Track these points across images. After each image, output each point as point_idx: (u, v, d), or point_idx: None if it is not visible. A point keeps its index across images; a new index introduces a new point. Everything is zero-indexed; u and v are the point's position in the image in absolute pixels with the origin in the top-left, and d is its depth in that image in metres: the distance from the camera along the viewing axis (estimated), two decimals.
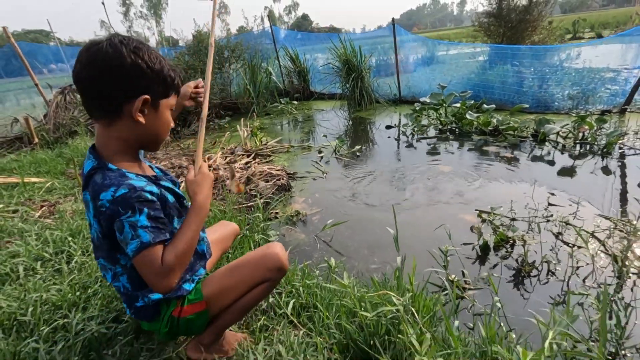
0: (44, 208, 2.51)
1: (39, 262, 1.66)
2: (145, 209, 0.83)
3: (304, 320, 1.34)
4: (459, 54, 8.45)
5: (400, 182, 3.18)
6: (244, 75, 6.44)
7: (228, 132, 5.21)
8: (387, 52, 7.45)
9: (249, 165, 3.77)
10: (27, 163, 3.80)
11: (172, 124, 1.00)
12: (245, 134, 4.35)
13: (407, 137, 4.46)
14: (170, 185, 1.01)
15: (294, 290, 1.51)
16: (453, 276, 1.80)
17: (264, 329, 1.27)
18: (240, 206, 2.74)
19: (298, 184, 3.33)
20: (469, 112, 4.39)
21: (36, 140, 4.75)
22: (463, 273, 1.85)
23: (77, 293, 1.41)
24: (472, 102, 4.65)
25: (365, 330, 1.10)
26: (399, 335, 1.02)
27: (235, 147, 4.30)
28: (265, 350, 1.13)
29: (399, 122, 5.14)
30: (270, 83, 6.91)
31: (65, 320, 1.25)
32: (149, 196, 0.85)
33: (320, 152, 4.13)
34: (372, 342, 1.05)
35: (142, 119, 0.88)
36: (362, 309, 1.20)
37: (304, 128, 5.49)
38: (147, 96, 0.87)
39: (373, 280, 1.22)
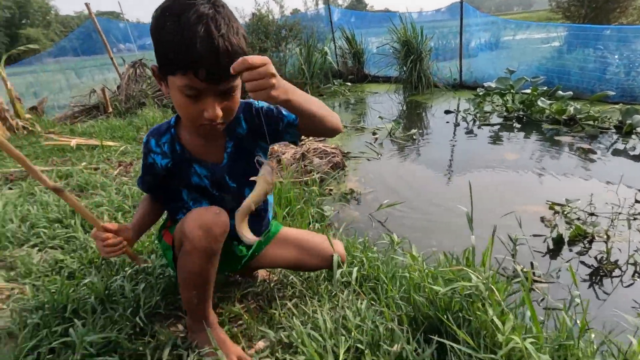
0: (121, 167, 2.74)
1: (119, 213, 1.81)
2: (142, 161, 1.05)
3: (367, 290, 1.33)
4: (527, 39, 7.75)
5: (459, 167, 3.03)
6: (300, 55, 6.44)
7: None
8: (445, 36, 7.05)
9: (302, 142, 3.80)
10: (103, 129, 4.15)
11: (208, 114, 0.82)
12: None
13: (468, 123, 4.22)
14: (200, 170, 1.03)
15: (355, 260, 1.50)
16: (521, 266, 1.69)
17: (330, 293, 1.28)
18: (296, 179, 2.78)
19: (351, 164, 3.30)
20: (541, 98, 4.04)
21: (110, 109, 5.16)
22: (532, 265, 1.72)
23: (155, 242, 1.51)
24: (544, 88, 4.26)
25: (437, 305, 1.06)
26: (477, 312, 0.97)
27: None
28: (330, 313, 1.14)
29: (458, 107, 4.87)
30: (325, 64, 6.85)
31: (145, 264, 1.35)
32: (149, 159, 1.02)
33: (374, 133, 4.05)
34: (445, 317, 1.02)
35: (164, 89, 0.88)
36: (431, 283, 1.16)
37: (357, 110, 5.41)
38: (155, 64, 0.85)
39: (445, 255, 1.17)
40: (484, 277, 1.00)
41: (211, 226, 0.90)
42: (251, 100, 1.03)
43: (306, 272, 1.40)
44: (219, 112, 0.84)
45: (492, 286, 0.98)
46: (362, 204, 2.59)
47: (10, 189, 2.41)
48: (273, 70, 0.69)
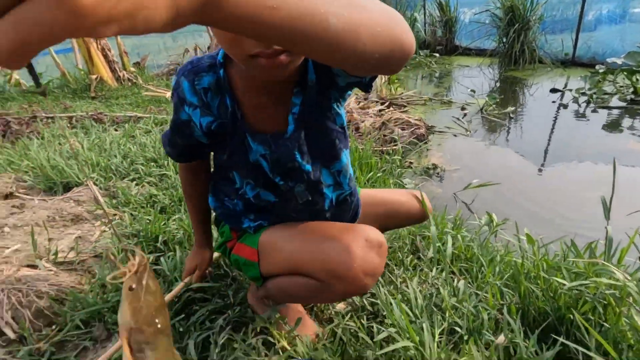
0: None
1: None
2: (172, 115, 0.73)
3: (459, 271, 1.18)
4: None
5: (564, 154, 2.60)
6: None
7: None
8: (555, 7, 6.03)
9: (382, 112, 3.60)
10: None
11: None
12: (383, 80, 4.14)
13: (579, 105, 3.60)
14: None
15: (444, 237, 1.34)
16: None
17: (417, 267, 1.16)
18: (376, 147, 2.63)
19: (436, 138, 3.04)
20: None
21: None
22: None
23: None
24: None
25: (559, 301, 0.87)
26: (615, 318, 0.77)
27: (370, 94, 4.16)
28: (419, 288, 1.02)
29: (566, 86, 4.18)
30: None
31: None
32: (182, 114, 0.70)
33: (463, 108, 3.68)
34: (569, 316, 0.83)
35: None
36: (544, 273, 0.96)
37: (443, 83, 4.97)
38: None
39: (574, 245, 0.96)
40: (635, 276, 0.78)
41: (378, 275, 0.71)
42: None
43: (388, 242, 1.29)
44: None
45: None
46: (446, 181, 2.37)
47: (115, 130, 2.66)
48: None
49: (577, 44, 5.15)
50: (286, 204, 0.77)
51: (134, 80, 4.79)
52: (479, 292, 1.00)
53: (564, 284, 0.87)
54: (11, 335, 0.83)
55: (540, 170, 2.43)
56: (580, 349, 0.74)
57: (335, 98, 0.73)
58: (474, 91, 3.83)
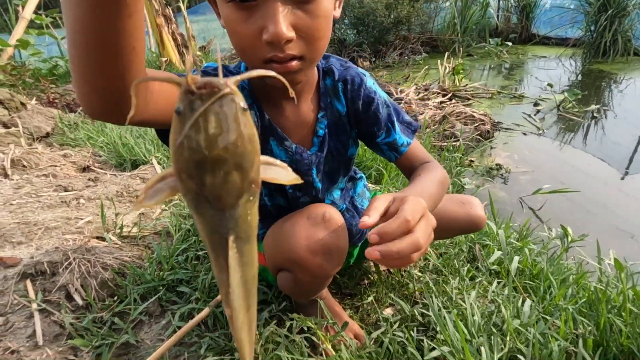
0: None
1: None
2: None
3: (523, 288, 1.06)
4: None
5: None
6: (454, 6, 5.64)
7: (423, 69, 4.81)
8: None
9: (443, 105, 3.39)
10: None
11: (268, 33, 0.52)
12: (446, 70, 3.88)
13: None
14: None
15: (509, 249, 1.22)
16: None
17: (474, 278, 1.07)
18: (435, 142, 2.49)
19: (502, 136, 2.79)
20: None
21: None
22: None
23: None
24: None
25: None
26: None
27: (430, 84, 3.93)
28: (477, 302, 0.93)
29: None
30: (482, 19, 5.88)
31: None
32: None
33: (536, 104, 3.33)
34: None
35: (218, 18, 0.59)
36: (632, 305, 0.83)
37: (514, 75, 4.54)
38: None
39: None
40: None
41: (331, 249, 0.66)
42: (360, 70, 0.75)
43: (443, 248, 1.20)
44: (284, 28, 0.50)
45: None
46: (511, 184, 2.17)
47: None
48: (422, 239, 0.48)
49: None
50: (292, 211, 0.77)
51: (200, 64, 5.03)
52: (547, 317, 0.88)
53: None
54: (79, 301, 0.91)
55: (623, 178, 2.13)
56: None
57: (353, 141, 0.80)
58: (551, 85, 3.44)
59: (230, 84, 0.24)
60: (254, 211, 0.28)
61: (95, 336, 0.84)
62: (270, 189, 0.81)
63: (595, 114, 3.00)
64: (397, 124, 0.77)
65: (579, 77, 4.26)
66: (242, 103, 0.24)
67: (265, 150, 0.74)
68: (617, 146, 2.49)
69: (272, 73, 0.27)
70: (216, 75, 0.24)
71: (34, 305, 0.87)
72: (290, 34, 0.52)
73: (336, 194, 0.87)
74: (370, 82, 0.75)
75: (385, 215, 0.51)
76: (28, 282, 0.91)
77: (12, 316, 0.86)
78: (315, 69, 0.73)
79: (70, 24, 0.36)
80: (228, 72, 0.70)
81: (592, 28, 4.80)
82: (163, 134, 0.58)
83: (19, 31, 3.80)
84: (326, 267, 0.66)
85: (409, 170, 0.80)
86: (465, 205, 0.91)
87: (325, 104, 0.74)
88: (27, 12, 3.84)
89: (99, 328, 0.87)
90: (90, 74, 0.39)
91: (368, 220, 0.48)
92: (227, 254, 0.27)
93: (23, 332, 0.83)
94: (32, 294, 0.89)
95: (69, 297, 0.92)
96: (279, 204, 0.82)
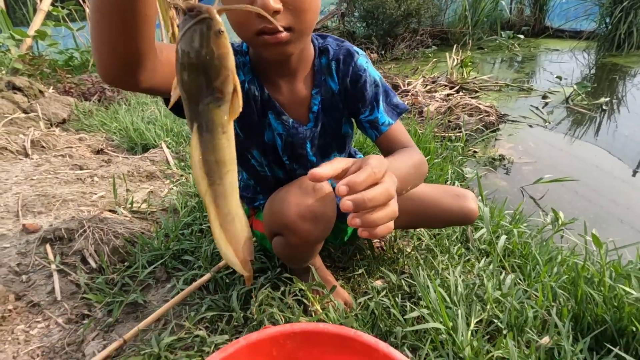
0: None
1: None
2: None
3: (511, 266, 1.11)
4: None
5: None
6: None
7: (432, 62, 4.79)
8: None
9: (449, 97, 3.39)
10: None
11: (257, 4, 0.57)
12: (454, 63, 3.87)
13: None
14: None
15: (500, 230, 1.26)
16: None
17: (463, 256, 1.11)
18: (437, 133, 2.52)
19: (507, 128, 2.80)
20: None
21: None
22: None
23: None
24: None
25: (623, 311, 0.78)
26: None
27: (438, 77, 3.93)
28: (462, 277, 0.98)
29: None
30: (495, 11, 5.81)
31: None
32: None
33: (545, 97, 3.31)
34: (632, 328, 0.75)
35: None
36: (610, 280, 0.87)
37: (524, 68, 4.50)
38: None
39: None
40: None
41: (318, 216, 0.70)
42: (354, 49, 0.79)
43: (436, 229, 1.25)
44: (271, 0, 0.56)
45: None
46: (513, 174, 2.19)
47: None
48: (392, 187, 0.48)
49: None
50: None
51: None
52: (527, 289, 0.93)
53: (632, 293, 0.78)
54: (93, 264, 0.99)
55: (634, 173, 2.12)
56: None
57: (348, 120, 0.85)
58: (560, 77, 3.41)
59: (211, 11, 0.31)
60: (218, 112, 0.36)
61: (107, 295, 0.92)
62: (269, 161, 0.86)
63: (604, 107, 2.98)
64: (382, 104, 0.80)
65: (592, 71, 4.20)
66: (217, 27, 0.32)
67: (264, 123, 0.80)
68: (630, 141, 2.47)
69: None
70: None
71: (53, 266, 0.95)
72: (278, 5, 0.58)
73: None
74: (362, 60, 0.79)
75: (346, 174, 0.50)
76: (47, 246, 1.00)
77: (34, 275, 0.95)
78: (312, 47, 0.78)
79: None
80: (233, 50, 0.75)
81: (607, 20, 4.70)
82: (174, 108, 0.64)
83: (37, 23, 3.93)
84: (314, 232, 0.72)
85: (388, 152, 0.80)
86: (460, 198, 0.94)
87: (319, 82, 0.79)
88: (45, 4, 3.97)
89: (111, 288, 0.95)
90: (110, 37, 0.45)
91: (317, 170, 0.45)
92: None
93: (43, 289, 0.92)
94: (51, 257, 0.98)
95: (84, 261, 1.00)
96: (278, 176, 0.88)
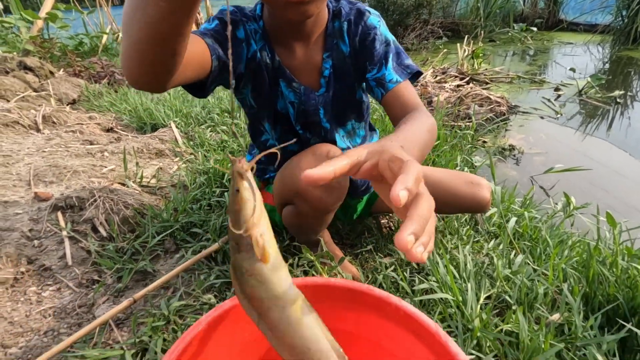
0: None
1: None
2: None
3: (521, 248, 1.10)
4: None
5: None
6: None
7: (442, 53, 4.73)
8: None
9: (460, 87, 3.35)
10: None
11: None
12: (465, 53, 3.82)
13: None
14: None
15: (510, 214, 1.25)
16: None
17: (472, 237, 1.11)
18: (447, 122, 2.49)
19: (518, 119, 2.76)
20: None
21: None
22: None
23: None
24: None
25: (635, 290, 0.77)
26: None
27: (448, 68, 3.88)
28: (471, 256, 0.97)
29: None
30: (508, 3, 5.70)
31: None
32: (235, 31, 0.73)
33: (557, 89, 3.26)
34: None
35: None
36: (623, 262, 0.85)
37: (537, 61, 4.42)
38: None
39: None
40: None
41: (332, 184, 0.69)
42: (365, 8, 0.77)
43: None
44: None
45: None
46: (523, 164, 2.16)
47: None
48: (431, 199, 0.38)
49: None
50: None
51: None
52: (537, 268, 0.92)
53: None
54: (103, 233, 1.00)
55: None
56: None
57: (359, 82, 0.82)
58: (573, 70, 3.35)
59: (239, 167, 0.35)
60: (238, 257, 0.38)
61: (117, 262, 0.93)
62: (281, 132, 0.85)
63: (618, 100, 2.92)
64: (390, 62, 0.76)
65: (607, 65, 4.12)
66: (236, 186, 0.35)
67: (276, 91, 0.79)
68: None
69: (273, 150, 0.37)
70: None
71: (64, 233, 0.96)
72: None
73: (341, 132, 0.88)
74: (373, 19, 0.77)
75: (360, 171, 0.42)
76: (59, 214, 1.01)
77: (46, 240, 0.96)
78: (326, 11, 0.77)
79: (137, 21, 0.42)
80: (243, 16, 0.74)
81: (623, 13, 4.59)
82: (191, 88, 0.66)
83: (47, 5, 3.94)
84: (326, 200, 0.72)
85: (394, 112, 0.75)
86: (474, 186, 0.92)
87: (331, 45, 0.77)
88: None
89: (120, 256, 0.96)
90: (151, 60, 0.46)
91: (312, 172, 0.37)
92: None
93: (55, 254, 0.93)
94: (62, 224, 0.99)
95: (94, 229, 1.01)
96: (291, 148, 0.84)
